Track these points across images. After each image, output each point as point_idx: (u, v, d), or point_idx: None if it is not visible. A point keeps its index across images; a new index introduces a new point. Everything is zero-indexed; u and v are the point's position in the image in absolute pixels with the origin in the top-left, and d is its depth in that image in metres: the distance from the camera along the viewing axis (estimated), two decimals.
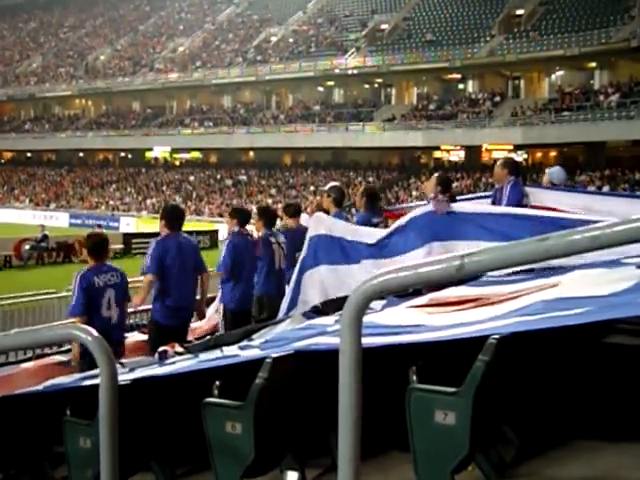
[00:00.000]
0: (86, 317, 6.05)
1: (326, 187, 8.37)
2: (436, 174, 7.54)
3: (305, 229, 7.53)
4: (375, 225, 7.82)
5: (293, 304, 6.58)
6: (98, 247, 6.44)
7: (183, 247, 7.19)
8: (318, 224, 6.77)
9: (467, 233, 5.89)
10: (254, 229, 8.78)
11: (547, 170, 8.90)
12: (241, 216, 8.45)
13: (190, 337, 7.75)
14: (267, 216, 8.60)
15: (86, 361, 5.69)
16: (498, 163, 7.69)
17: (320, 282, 6.50)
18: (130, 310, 7.32)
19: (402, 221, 6.49)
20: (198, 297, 7.52)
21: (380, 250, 6.34)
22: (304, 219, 8.82)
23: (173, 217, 7.29)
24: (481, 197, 8.50)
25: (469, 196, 8.52)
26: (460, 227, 6.02)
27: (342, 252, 6.50)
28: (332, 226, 6.74)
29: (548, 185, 8.28)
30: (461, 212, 6.24)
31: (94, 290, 6.17)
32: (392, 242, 6.32)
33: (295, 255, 7.32)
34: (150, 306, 7.45)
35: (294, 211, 8.84)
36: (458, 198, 7.56)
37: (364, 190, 8.30)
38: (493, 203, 7.41)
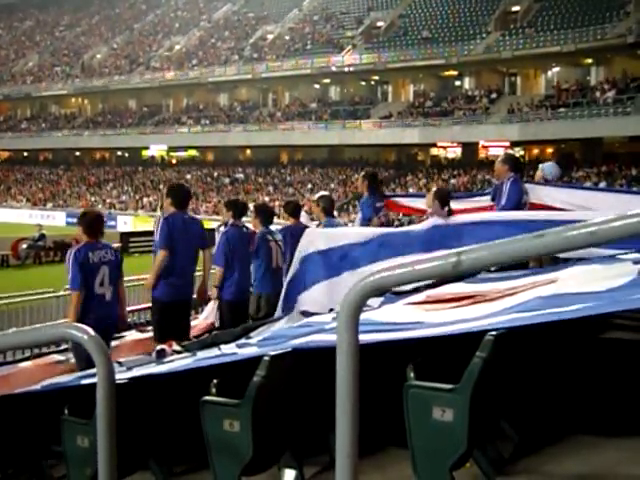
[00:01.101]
0: (85, 291, 6.07)
1: (315, 197, 8.46)
2: (434, 189, 7.52)
3: (304, 227, 7.53)
4: (379, 209, 7.87)
5: (289, 304, 6.56)
6: (93, 224, 6.41)
7: (189, 225, 7.25)
8: (308, 242, 6.75)
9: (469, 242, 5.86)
10: (251, 226, 8.77)
11: (540, 165, 8.87)
12: (236, 208, 8.45)
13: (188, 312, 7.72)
14: (264, 214, 8.60)
15: (82, 361, 5.69)
16: (499, 159, 7.67)
17: (319, 298, 6.47)
18: (134, 309, 7.33)
19: (397, 230, 6.53)
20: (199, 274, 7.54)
21: (374, 254, 6.33)
22: (304, 217, 8.84)
23: (180, 195, 7.35)
24: (477, 195, 8.49)
25: (465, 193, 8.50)
26: (462, 237, 5.99)
27: (335, 264, 6.48)
28: (322, 239, 6.72)
29: (541, 181, 8.26)
30: (459, 224, 6.25)
31: (89, 266, 6.16)
32: (387, 247, 6.32)
33: (293, 253, 7.31)
34: (149, 304, 7.45)
35: (293, 209, 8.84)
36: (455, 195, 7.58)
37: (365, 174, 8.52)
38: (493, 199, 7.41)
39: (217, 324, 8.45)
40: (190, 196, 7.64)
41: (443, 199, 7.04)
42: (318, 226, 8.20)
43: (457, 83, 47.52)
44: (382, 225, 7.73)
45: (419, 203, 8.29)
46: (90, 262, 6.17)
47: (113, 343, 7.36)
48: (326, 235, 6.90)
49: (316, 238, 6.80)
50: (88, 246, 6.26)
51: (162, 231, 6.98)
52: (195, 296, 7.60)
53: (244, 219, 8.56)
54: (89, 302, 6.10)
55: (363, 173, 8.72)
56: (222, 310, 8.15)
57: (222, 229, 8.44)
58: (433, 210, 6.87)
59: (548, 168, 8.61)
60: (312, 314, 5.98)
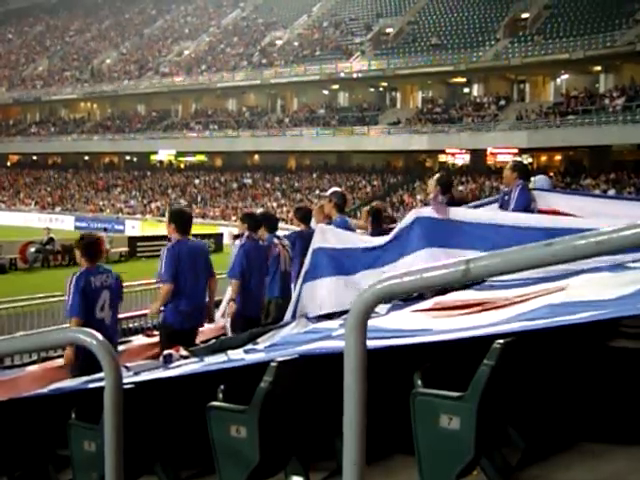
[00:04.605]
0: (84, 318, 6.01)
1: (328, 192, 8.40)
2: (436, 175, 7.54)
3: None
4: None
5: (297, 312, 6.57)
6: (92, 248, 6.35)
7: (194, 251, 7.20)
8: (320, 237, 6.77)
9: (467, 242, 5.87)
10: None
11: (532, 178, 8.86)
12: (252, 221, 8.46)
13: (196, 340, 7.72)
14: (269, 221, 8.61)
15: (77, 365, 5.70)
16: (507, 166, 7.68)
17: (319, 295, 6.49)
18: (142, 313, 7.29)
19: (405, 223, 6.47)
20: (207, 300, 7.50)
21: (380, 255, 6.34)
22: (314, 223, 8.83)
23: (183, 220, 7.29)
24: (486, 203, 8.47)
25: (475, 203, 8.48)
26: (461, 235, 6.00)
27: (343, 263, 6.49)
28: (334, 237, 6.74)
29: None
30: (460, 220, 6.24)
31: (91, 291, 6.11)
32: (393, 244, 6.33)
33: (303, 258, 7.30)
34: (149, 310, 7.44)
35: (304, 214, 8.84)
36: (466, 206, 7.54)
37: (369, 210, 8.30)
38: (501, 206, 7.39)
39: (229, 335, 8.43)
40: (192, 219, 7.54)
41: (445, 186, 7.03)
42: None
43: (466, 90, 47.51)
44: None
45: None
46: (92, 287, 6.12)
47: (120, 347, 7.37)
48: (338, 233, 6.90)
49: (328, 234, 6.82)
50: (90, 271, 6.20)
51: (167, 262, 6.90)
52: None
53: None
54: (90, 327, 6.06)
55: (367, 208, 8.49)
56: (236, 323, 8.11)
57: (238, 242, 8.42)
58: (434, 196, 6.87)
59: (539, 181, 8.64)
60: (319, 319, 5.99)
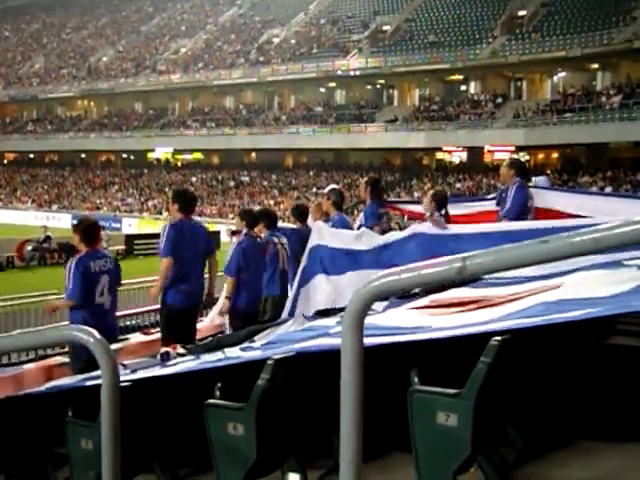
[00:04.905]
0: (84, 303, 6.03)
1: (325, 190, 8.44)
2: (431, 192, 7.54)
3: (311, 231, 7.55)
4: (381, 216, 7.88)
5: (294, 310, 6.59)
6: (90, 232, 6.34)
7: (195, 231, 7.27)
8: (318, 235, 6.80)
9: (461, 250, 5.87)
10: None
11: (534, 179, 8.85)
12: (250, 218, 8.48)
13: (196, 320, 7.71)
14: (268, 218, 8.61)
15: (81, 361, 5.69)
16: (504, 163, 7.66)
17: (316, 292, 6.52)
18: (139, 311, 7.31)
19: (400, 235, 6.54)
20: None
21: (373, 257, 6.38)
22: (311, 221, 8.85)
23: (187, 201, 7.35)
24: (482, 199, 8.47)
25: (469, 198, 8.51)
26: (456, 245, 6.00)
27: (339, 262, 6.52)
28: (331, 236, 6.77)
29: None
30: (456, 233, 6.27)
31: (91, 275, 6.10)
32: (387, 250, 6.36)
33: (300, 256, 7.32)
34: (154, 307, 7.45)
35: (301, 212, 8.84)
36: (458, 199, 7.57)
37: (367, 181, 8.41)
38: (498, 204, 7.39)
39: (228, 332, 8.43)
40: (196, 201, 7.66)
41: (440, 202, 7.06)
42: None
43: (463, 87, 47.54)
44: (384, 232, 7.71)
45: (418, 207, 8.31)
46: (92, 271, 6.12)
47: (117, 346, 7.37)
48: (334, 232, 6.93)
49: (324, 232, 6.85)
50: (89, 255, 6.19)
51: (168, 238, 6.96)
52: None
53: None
54: (89, 312, 6.05)
55: (366, 179, 8.67)
56: (234, 318, 8.11)
57: (235, 239, 8.43)
58: (430, 213, 6.89)
59: (541, 182, 8.64)
60: (316, 317, 5.99)
